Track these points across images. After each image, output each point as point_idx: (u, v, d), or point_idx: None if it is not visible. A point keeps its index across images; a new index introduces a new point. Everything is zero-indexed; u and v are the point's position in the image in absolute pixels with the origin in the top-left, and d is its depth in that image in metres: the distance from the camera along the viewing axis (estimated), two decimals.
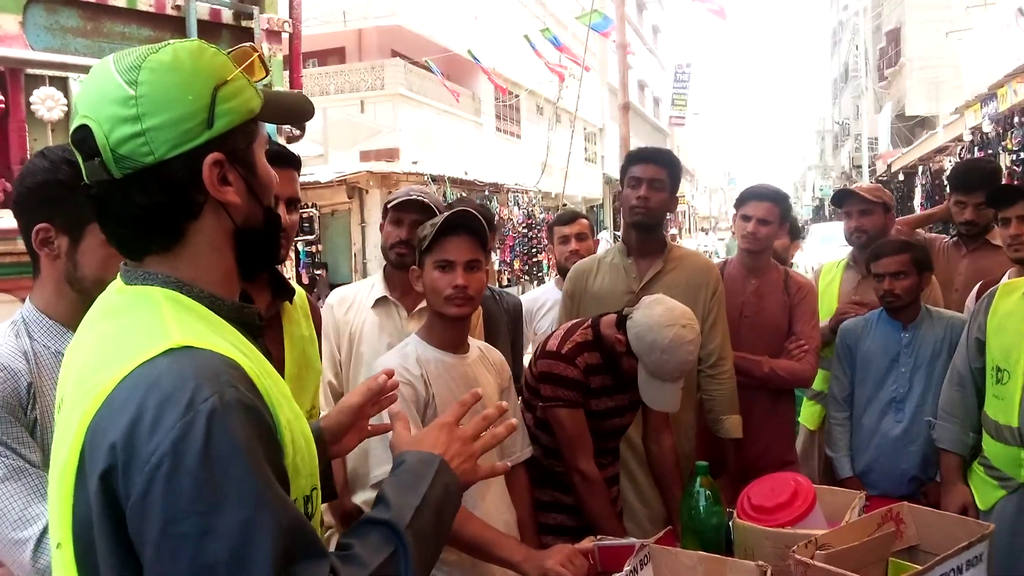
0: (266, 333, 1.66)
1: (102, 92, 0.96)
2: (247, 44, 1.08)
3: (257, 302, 1.68)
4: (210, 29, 3.15)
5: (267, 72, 1.08)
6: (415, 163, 14.36)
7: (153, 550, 0.85)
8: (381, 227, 2.70)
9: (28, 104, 2.56)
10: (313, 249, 11.90)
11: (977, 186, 3.24)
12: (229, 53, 1.04)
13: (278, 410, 0.97)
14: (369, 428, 1.44)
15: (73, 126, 0.98)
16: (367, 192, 13.54)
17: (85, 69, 2.69)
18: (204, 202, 1.00)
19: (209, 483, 0.85)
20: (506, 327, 3.00)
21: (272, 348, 1.70)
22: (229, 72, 1.00)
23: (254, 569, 0.85)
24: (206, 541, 0.84)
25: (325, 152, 14.40)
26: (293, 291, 1.98)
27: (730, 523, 2.03)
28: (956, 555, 1.62)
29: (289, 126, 3.38)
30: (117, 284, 1.03)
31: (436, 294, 1.97)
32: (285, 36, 3.38)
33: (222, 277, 1.04)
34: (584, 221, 3.72)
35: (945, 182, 12.71)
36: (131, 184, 0.96)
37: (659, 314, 2.08)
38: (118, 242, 1.02)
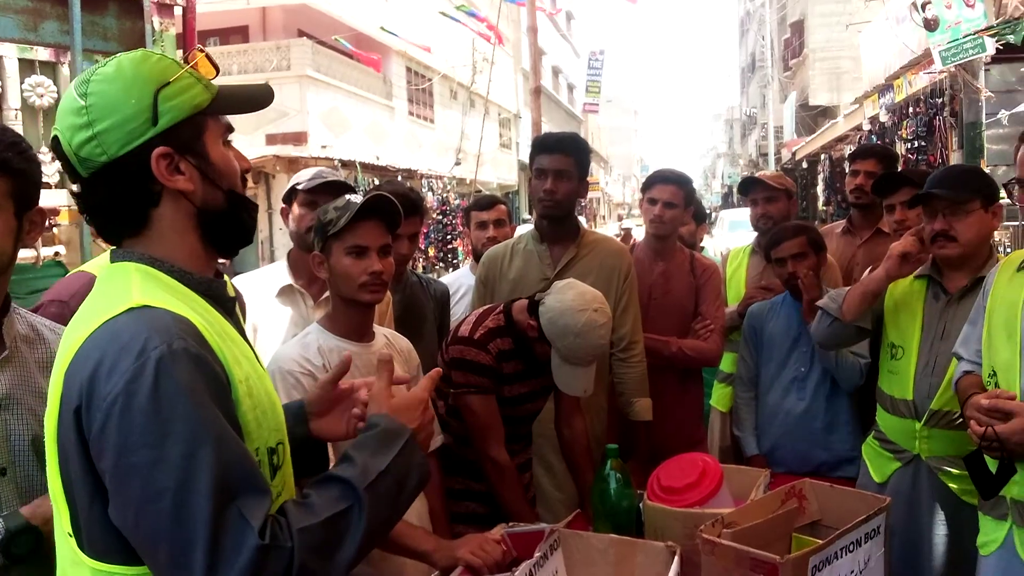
0: None
1: (64, 107, 1.12)
2: (197, 47, 1.24)
3: None
4: (96, 1, 2.95)
5: (216, 70, 1.18)
6: (324, 147, 14.01)
7: (109, 478, 0.99)
8: (283, 212, 2.59)
9: None
10: None
11: (870, 154, 3.39)
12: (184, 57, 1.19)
13: (232, 366, 1.09)
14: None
15: (52, 138, 1.14)
16: (273, 177, 13.15)
17: None
18: (161, 190, 1.12)
19: (156, 419, 0.97)
20: (433, 314, 2.94)
21: None
22: (172, 74, 1.12)
23: (196, 497, 0.97)
24: (154, 471, 0.97)
25: None
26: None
27: (640, 505, 2.04)
28: (855, 528, 1.67)
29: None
30: (107, 263, 1.17)
31: (349, 280, 1.90)
32: (178, 11, 3.21)
33: (190, 254, 1.16)
34: (502, 207, 3.69)
35: (845, 170, 13.33)
36: (96, 181, 1.11)
37: (571, 299, 2.07)
38: (98, 229, 1.17)
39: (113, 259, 1.16)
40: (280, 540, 1.01)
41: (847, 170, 3.57)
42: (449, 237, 17.19)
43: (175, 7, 3.21)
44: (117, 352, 1.00)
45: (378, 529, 1.12)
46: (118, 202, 1.12)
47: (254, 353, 1.23)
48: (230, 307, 1.22)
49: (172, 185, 1.12)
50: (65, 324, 1.65)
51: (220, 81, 1.19)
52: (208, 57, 1.17)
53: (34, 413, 1.42)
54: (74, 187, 1.14)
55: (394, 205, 1.91)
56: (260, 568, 0.98)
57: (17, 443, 1.38)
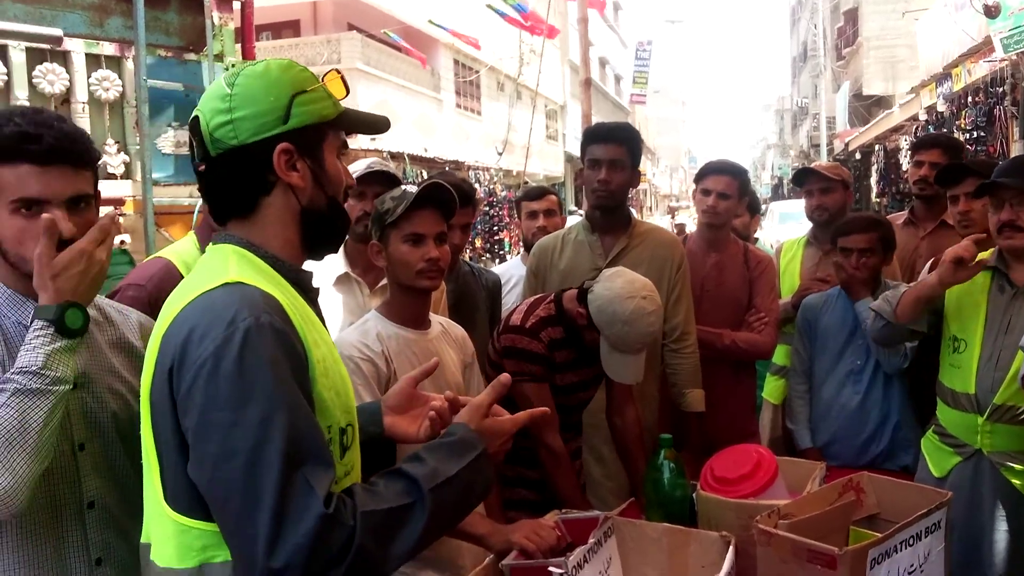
0: None
1: (211, 92, 1.24)
2: (333, 68, 1.36)
3: None
4: None
5: (347, 91, 1.33)
6: (373, 139, 14.13)
7: (192, 434, 1.08)
8: None
9: None
10: None
11: (935, 144, 3.30)
12: (323, 76, 1.32)
13: (312, 347, 1.17)
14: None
15: (191, 117, 1.25)
16: None
17: (26, 37, 2.58)
18: (275, 182, 1.23)
19: (239, 385, 1.06)
20: (484, 304, 2.97)
21: None
22: (309, 85, 1.25)
23: (267, 460, 1.04)
24: (232, 431, 1.05)
25: None
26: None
27: (694, 495, 2.04)
28: (915, 522, 1.65)
29: None
30: (209, 247, 1.28)
31: (406, 268, 1.93)
32: (236, 5, 3.28)
33: (285, 244, 1.26)
34: (553, 197, 3.70)
35: (900, 161, 13.00)
36: (221, 161, 1.22)
37: (619, 286, 2.07)
38: (211, 208, 1.28)
39: (215, 241, 1.28)
40: (343, 516, 1.07)
41: (910, 161, 3.47)
42: (496, 228, 17.21)
43: (234, 2, 3.27)
44: (210, 320, 1.09)
45: (435, 530, 1.18)
46: (235, 184, 1.23)
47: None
48: (314, 296, 1.32)
49: (286, 179, 1.23)
50: (142, 307, 1.74)
51: None
52: (342, 79, 1.33)
53: (111, 390, 1.48)
54: (198, 167, 1.25)
55: (450, 193, 1.94)
56: (322, 537, 1.04)
57: (95, 420, 1.44)
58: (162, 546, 1.16)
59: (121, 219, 3.59)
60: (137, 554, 1.46)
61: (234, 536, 1.07)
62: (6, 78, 2.55)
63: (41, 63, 2.60)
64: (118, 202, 3.55)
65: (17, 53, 2.55)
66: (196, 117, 1.23)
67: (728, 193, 3.01)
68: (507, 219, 16.93)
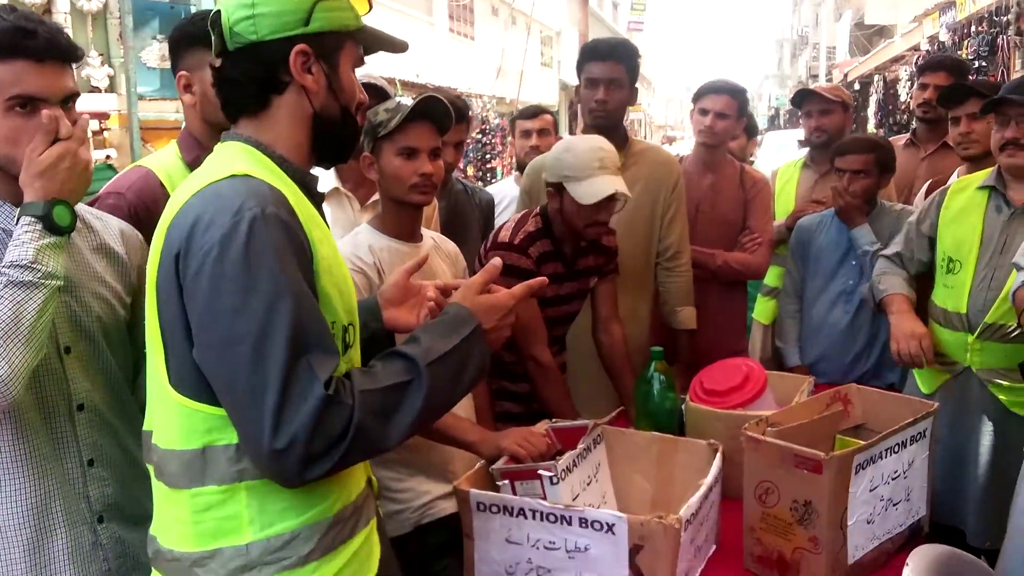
0: None
1: None
2: None
3: None
4: None
5: (370, 6, 1.36)
6: (366, 63, 13.84)
7: (198, 319, 1.10)
8: None
9: None
10: None
11: (941, 67, 3.25)
12: None
13: (316, 244, 1.18)
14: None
15: (212, 12, 1.25)
16: None
17: None
18: (288, 83, 1.23)
19: (245, 272, 1.07)
20: (477, 222, 2.94)
21: None
22: None
23: (273, 345, 1.06)
24: (239, 316, 1.07)
25: None
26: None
27: (683, 407, 2.06)
28: (901, 430, 1.67)
29: None
30: (217, 145, 1.28)
31: (399, 182, 1.90)
32: None
33: (294, 147, 1.26)
34: (547, 116, 3.63)
35: (899, 92, 12.81)
36: (238, 56, 1.22)
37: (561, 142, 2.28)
38: (224, 103, 1.28)
39: (223, 139, 1.28)
40: (343, 397, 1.10)
41: (916, 83, 3.41)
42: (488, 157, 17.02)
43: None
44: (216, 209, 1.10)
45: (433, 407, 1.20)
46: (250, 79, 1.23)
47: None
48: (319, 200, 1.32)
49: (300, 80, 1.23)
50: (122, 215, 1.72)
51: None
52: None
53: (95, 295, 1.47)
54: (214, 62, 1.26)
55: (445, 107, 1.90)
56: (322, 417, 1.07)
57: (80, 324, 1.43)
58: (165, 430, 1.18)
59: (106, 134, 3.51)
60: (128, 455, 1.49)
61: (240, 419, 1.10)
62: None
63: None
64: (102, 116, 3.47)
65: None
66: (218, 11, 1.23)
67: (726, 113, 2.96)
68: (500, 147, 16.72)
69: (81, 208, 1.56)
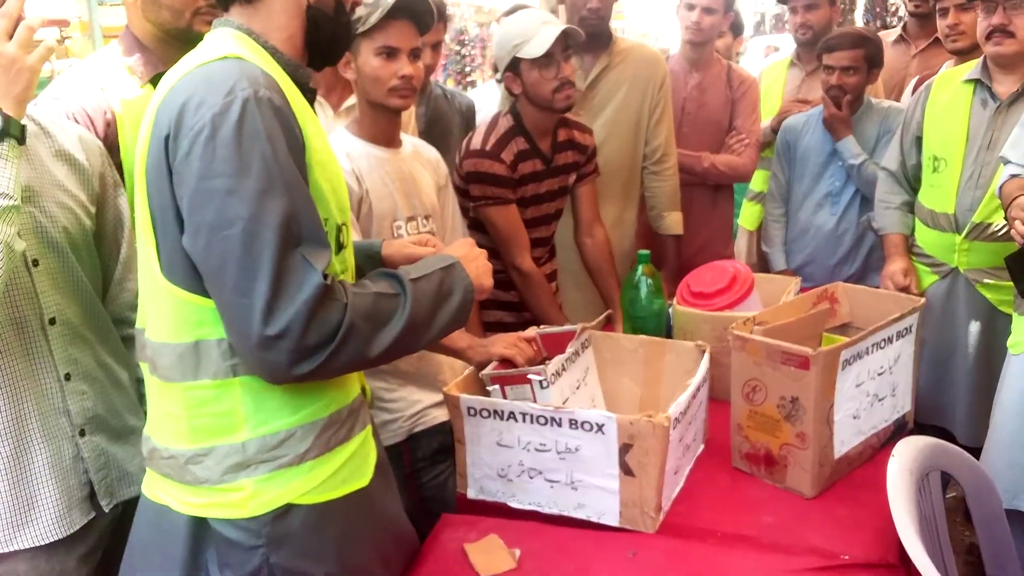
0: None
1: None
2: None
3: None
4: None
5: None
6: None
7: (188, 202, 1.06)
8: None
9: None
10: None
11: None
12: None
13: (310, 137, 1.14)
14: None
15: None
16: None
17: None
18: None
19: (237, 152, 1.03)
20: (459, 128, 2.86)
21: None
22: None
23: (265, 230, 1.03)
24: (230, 199, 1.03)
25: None
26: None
27: (670, 311, 2.06)
28: (887, 326, 1.67)
29: None
30: (208, 33, 1.22)
31: (378, 84, 1.82)
32: None
33: (287, 40, 1.21)
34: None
35: None
36: None
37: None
38: None
39: (214, 27, 1.23)
40: (338, 293, 1.09)
41: None
42: (468, 69, 16.60)
43: None
44: (207, 89, 1.06)
45: (419, 323, 1.19)
46: None
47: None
48: (311, 97, 1.27)
49: None
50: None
51: None
52: None
53: (59, 204, 1.41)
54: None
55: (427, 4, 1.81)
56: (318, 307, 1.05)
57: (46, 235, 1.38)
58: (158, 322, 1.16)
59: (68, 42, 3.36)
60: (105, 368, 1.47)
61: (228, 306, 1.06)
62: None
63: None
64: (62, 23, 3.32)
65: None
66: None
67: (713, 7, 2.85)
68: (480, 59, 16.29)
69: (37, 112, 1.48)
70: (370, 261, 1.48)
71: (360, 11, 1.80)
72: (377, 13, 1.77)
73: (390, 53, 1.80)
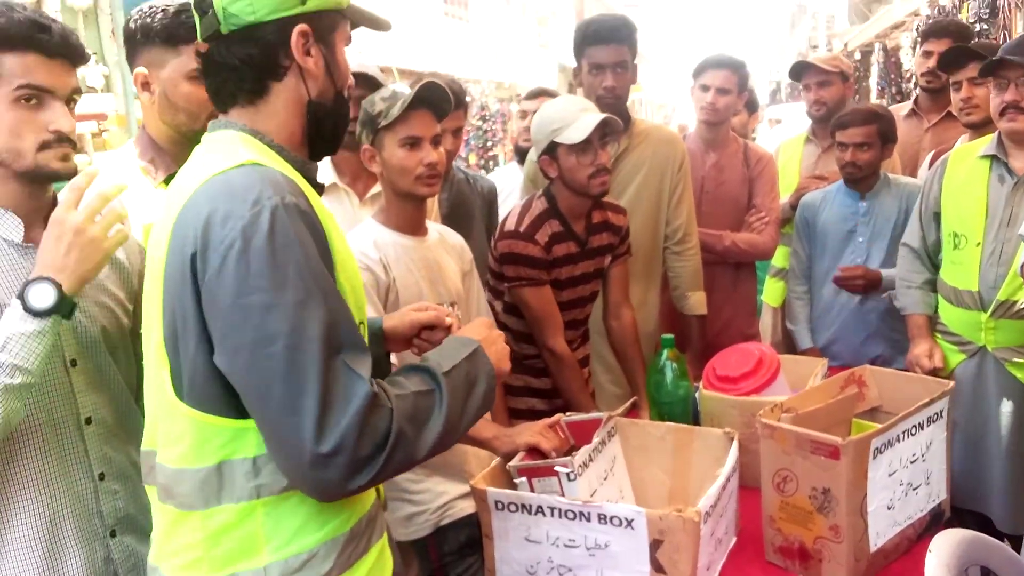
0: None
1: None
2: None
3: None
4: None
5: None
6: (360, 52, 13.75)
7: (224, 321, 1.02)
8: None
9: None
10: None
11: (945, 33, 3.19)
12: None
13: (331, 236, 1.12)
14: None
15: None
16: None
17: None
18: (288, 67, 1.18)
19: (273, 264, 1.01)
20: (480, 211, 2.91)
21: None
22: None
23: (308, 343, 1.00)
24: (269, 314, 1.00)
25: None
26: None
27: (696, 395, 2.05)
28: (917, 412, 1.65)
29: None
30: (205, 136, 1.21)
31: (404, 173, 1.87)
32: None
33: (290, 137, 1.20)
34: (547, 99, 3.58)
35: (900, 60, 12.67)
36: (233, 38, 1.15)
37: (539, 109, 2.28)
38: (214, 92, 1.20)
39: (212, 129, 1.21)
40: (383, 399, 1.06)
41: (919, 50, 3.35)
42: (490, 144, 16.92)
43: None
44: (231, 200, 1.03)
45: (454, 417, 1.15)
46: (247, 64, 1.16)
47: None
48: (319, 191, 1.26)
49: (302, 63, 1.17)
50: None
51: None
52: None
53: (99, 304, 1.44)
54: (201, 47, 1.19)
55: (444, 92, 1.87)
56: (369, 416, 1.02)
57: (86, 335, 1.41)
58: (175, 447, 1.11)
59: (104, 135, 3.49)
60: (136, 467, 1.43)
61: (275, 425, 1.02)
62: None
63: None
64: (100, 117, 3.45)
65: None
66: None
67: (728, 88, 2.92)
68: (501, 133, 16.62)
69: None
70: (373, 339, 1.45)
71: (379, 105, 1.87)
72: (398, 106, 1.83)
73: (413, 143, 1.86)
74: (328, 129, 1.25)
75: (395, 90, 1.88)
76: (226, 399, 1.06)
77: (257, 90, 1.18)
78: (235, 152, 1.11)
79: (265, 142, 1.17)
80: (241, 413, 1.07)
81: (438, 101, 1.88)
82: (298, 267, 1.02)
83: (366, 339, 1.25)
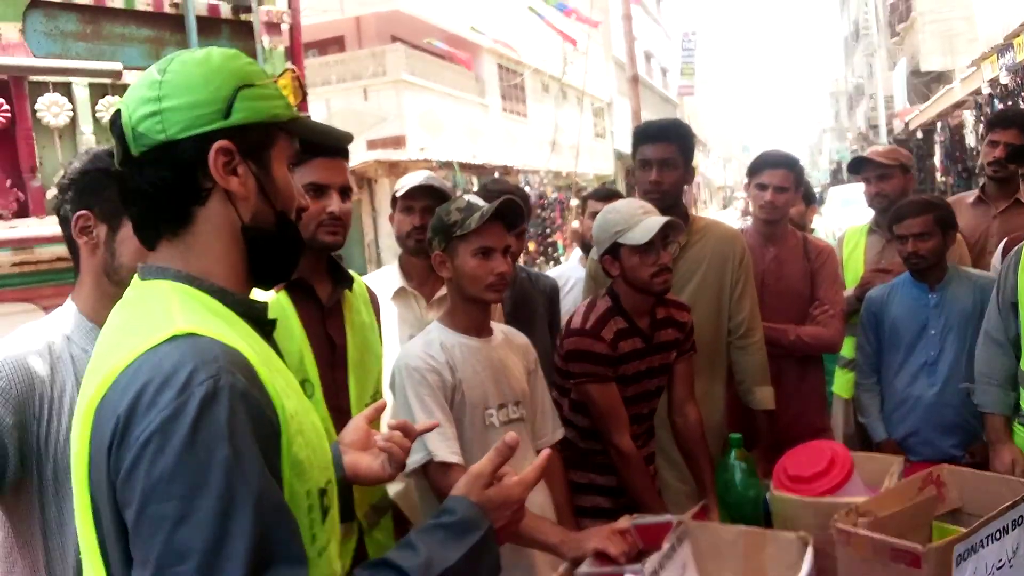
0: (329, 321, 1.90)
1: (138, 82, 1.03)
2: (289, 68, 1.15)
3: (319, 291, 1.91)
4: (209, 25, 3.10)
5: (303, 95, 1.16)
6: (422, 149, 14.28)
7: (133, 526, 0.87)
8: (391, 218, 2.68)
9: (34, 112, 2.55)
10: None
11: (1012, 123, 3.17)
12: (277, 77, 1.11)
13: (284, 400, 0.98)
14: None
15: (112, 112, 1.06)
16: (376, 182, 13.49)
17: (87, 73, 2.67)
18: (211, 188, 1.03)
19: (192, 466, 0.86)
20: (543, 308, 2.97)
21: (335, 335, 1.91)
22: (259, 79, 1.06)
23: (227, 562, 0.84)
24: (181, 527, 0.85)
25: None
26: (352, 279, 2.01)
27: (767, 495, 2.00)
28: (1001, 515, 1.58)
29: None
30: (134, 281, 1.06)
31: (476, 281, 1.95)
32: (285, 28, 3.33)
33: (230, 271, 1.05)
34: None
35: (964, 137, 12.55)
36: (145, 161, 1.01)
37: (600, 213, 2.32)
38: (136, 221, 1.06)
39: (143, 276, 1.05)
40: None
41: (984, 140, 3.34)
42: (548, 231, 17.19)
43: (282, 25, 3.33)
44: (159, 385, 0.88)
45: None
46: (163, 189, 1.01)
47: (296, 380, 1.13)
48: (269, 331, 1.11)
49: (223, 184, 1.02)
50: None
51: (322, 92, 1.17)
52: (298, 81, 1.13)
53: None
54: (119, 169, 1.05)
55: (519, 208, 1.97)
56: None
57: None
58: None
59: None
60: None
61: None
62: (72, 113, 2.64)
63: (103, 96, 2.68)
64: None
65: (80, 89, 2.63)
66: (118, 111, 1.03)
67: (785, 186, 2.95)
68: (559, 221, 16.89)
69: None
70: (339, 469, 1.35)
71: (454, 215, 1.95)
72: (475, 218, 1.92)
73: (486, 252, 1.94)
74: (273, 257, 1.10)
75: (470, 202, 1.98)
76: None
77: (179, 218, 1.02)
78: (167, 317, 0.95)
79: (204, 288, 1.02)
80: None
81: (511, 215, 1.97)
82: (225, 468, 0.86)
83: (335, 498, 1.11)
